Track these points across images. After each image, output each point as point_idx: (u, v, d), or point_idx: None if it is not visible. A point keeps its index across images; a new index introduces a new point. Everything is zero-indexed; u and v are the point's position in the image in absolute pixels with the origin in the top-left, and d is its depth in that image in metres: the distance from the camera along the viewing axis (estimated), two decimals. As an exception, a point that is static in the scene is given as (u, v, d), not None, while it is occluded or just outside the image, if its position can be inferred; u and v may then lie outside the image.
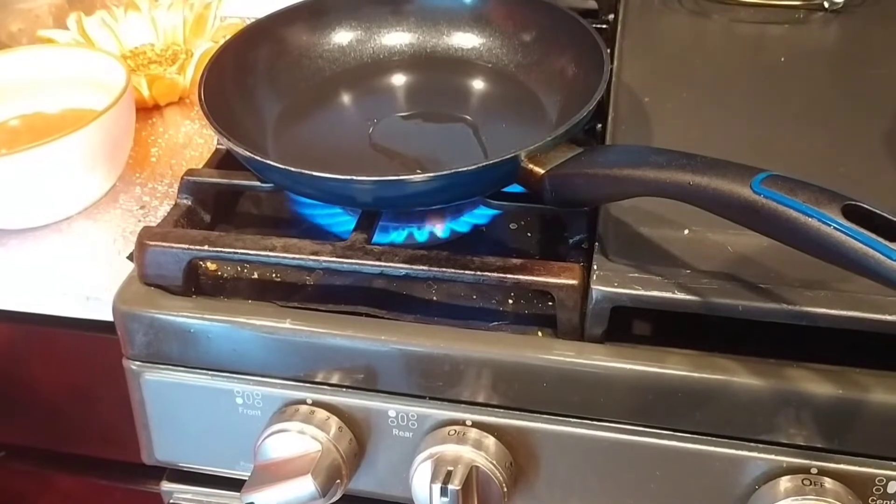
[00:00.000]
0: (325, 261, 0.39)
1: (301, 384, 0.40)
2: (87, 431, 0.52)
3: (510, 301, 0.41)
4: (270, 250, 0.40)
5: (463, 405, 0.39)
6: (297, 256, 0.39)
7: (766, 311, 0.34)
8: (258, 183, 0.44)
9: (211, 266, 0.44)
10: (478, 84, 0.53)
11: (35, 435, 0.54)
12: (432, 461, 0.38)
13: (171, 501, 0.49)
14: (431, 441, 0.39)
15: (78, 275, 0.45)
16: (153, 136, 0.57)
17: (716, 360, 0.36)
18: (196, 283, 0.42)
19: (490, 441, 0.39)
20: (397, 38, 0.55)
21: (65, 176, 0.47)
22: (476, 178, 0.40)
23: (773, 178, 0.31)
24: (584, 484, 0.39)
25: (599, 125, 0.48)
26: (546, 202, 0.40)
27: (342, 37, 0.55)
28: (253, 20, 0.53)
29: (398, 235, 0.45)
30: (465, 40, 0.55)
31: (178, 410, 0.43)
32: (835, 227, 0.28)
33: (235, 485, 0.41)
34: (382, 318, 0.39)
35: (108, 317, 0.42)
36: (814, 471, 0.36)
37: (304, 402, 0.40)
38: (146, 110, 0.59)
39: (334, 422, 0.40)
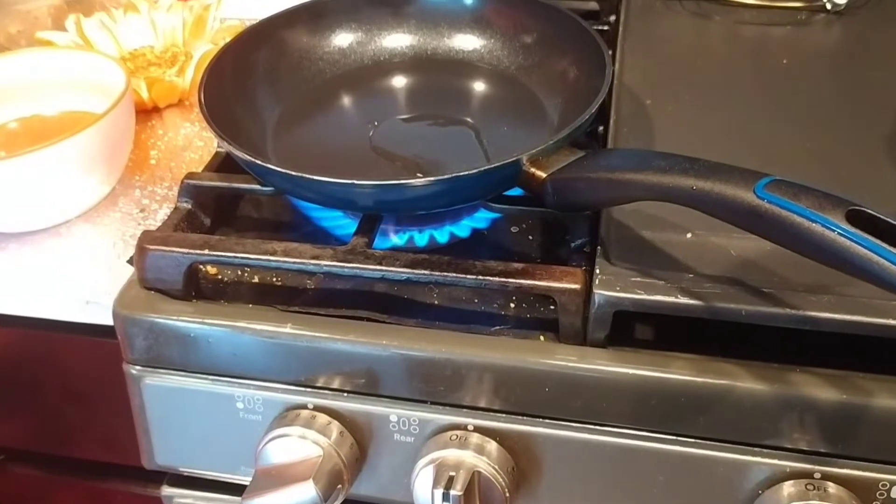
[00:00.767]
0: (325, 265, 0.39)
1: (302, 389, 0.40)
2: (88, 436, 0.52)
3: (512, 305, 0.41)
4: (271, 254, 0.39)
5: (465, 410, 0.39)
6: (297, 260, 0.39)
7: (769, 316, 0.34)
8: (258, 186, 0.44)
9: (211, 270, 0.44)
10: (479, 86, 0.53)
11: (35, 439, 0.54)
12: (434, 466, 0.38)
13: (172, 506, 0.48)
14: (433, 446, 0.38)
15: (77, 279, 0.45)
16: (153, 139, 0.57)
17: (719, 364, 0.36)
18: (196, 287, 0.42)
19: (492, 446, 0.38)
20: (398, 41, 0.55)
21: (64, 179, 0.47)
22: (477, 182, 0.39)
23: (776, 183, 0.30)
24: (587, 489, 0.39)
25: (601, 128, 0.48)
26: (548, 206, 0.40)
27: (342, 39, 0.55)
28: (252, 22, 0.53)
29: (399, 239, 0.44)
30: (466, 42, 0.55)
31: (178, 415, 0.42)
32: (838, 233, 0.28)
33: (236, 490, 0.41)
34: (383, 322, 0.39)
35: (108, 321, 0.42)
36: (817, 476, 0.36)
37: (305, 406, 0.40)
38: (145, 112, 0.59)
39: (335, 427, 0.40)
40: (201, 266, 0.43)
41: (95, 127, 0.47)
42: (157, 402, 0.42)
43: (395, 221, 0.44)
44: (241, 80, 0.50)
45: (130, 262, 0.43)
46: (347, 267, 0.39)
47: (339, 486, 0.39)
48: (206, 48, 0.60)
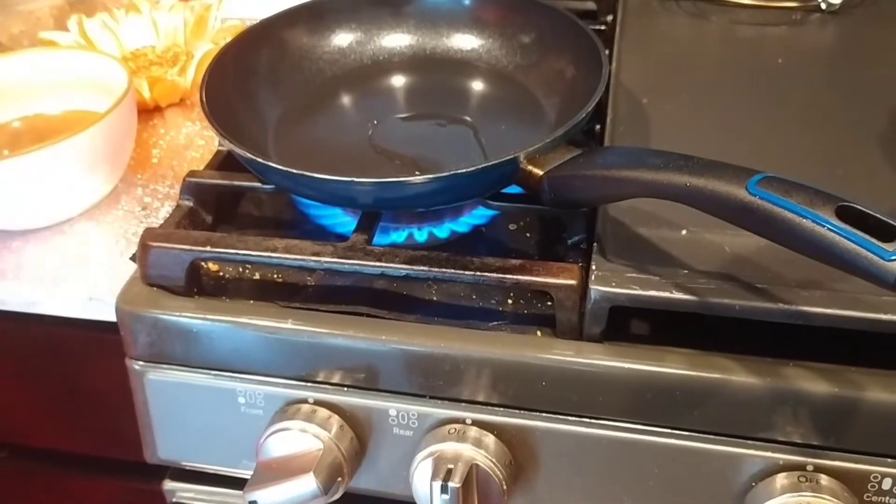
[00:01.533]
0: (326, 261, 0.39)
1: (303, 383, 0.41)
2: (90, 431, 0.52)
3: (509, 301, 0.41)
4: (272, 251, 0.40)
5: (463, 404, 0.39)
6: (298, 257, 0.40)
7: (762, 311, 0.35)
8: (259, 184, 0.45)
9: (213, 267, 0.44)
10: (477, 85, 0.54)
11: (38, 435, 0.54)
12: (433, 459, 0.38)
13: (174, 500, 0.49)
14: (432, 439, 0.39)
15: (80, 276, 0.46)
16: (154, 138, 0.57)
17: (713, 359, 0.36)
18: (198, 284, 0.42)
19: (490, 439, 0.39)
20: (397, 40, 0.56)
21: (67, 178, 0.48)
22: (475, 180, 0.40)
23: (768, 180, 0.31)
24: (583, 482, 0.40)
25: (598, 126, 0.48)
26: (545, 203, 0.40)
27: (342, 38, 0.55)
28: (253, 22, 0.53)
29: (398, 236, 0.45)
30: (465, 42, 0.55)
31: (180, 410, 0.43)
32: (828, 228, 0.29)
33: (238, 483, 0.42)
34: (383, 318, 0.40)
35: (112, 317, 0.42)
36: (810, 468, 0.36)
37: (305, 401, 0.41)
38: (147, 112, 0.60)
39: (336, 421, 0.40)
40: (203, 263, 0.43)
41: (98, 126, 0.47)
42: (159, 397, 0.43)
43: (395, 219, 0.45)
44: (242, 79, 0.50)
45: (133, 259, 0.44)
46: (347, 263, 0.39)
47: (340, 478, 0.40)
48: (207, 48, 0.60)
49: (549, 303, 0.38)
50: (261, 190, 0.45)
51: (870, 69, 0.52)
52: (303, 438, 0.40)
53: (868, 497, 0.36)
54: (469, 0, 0.55)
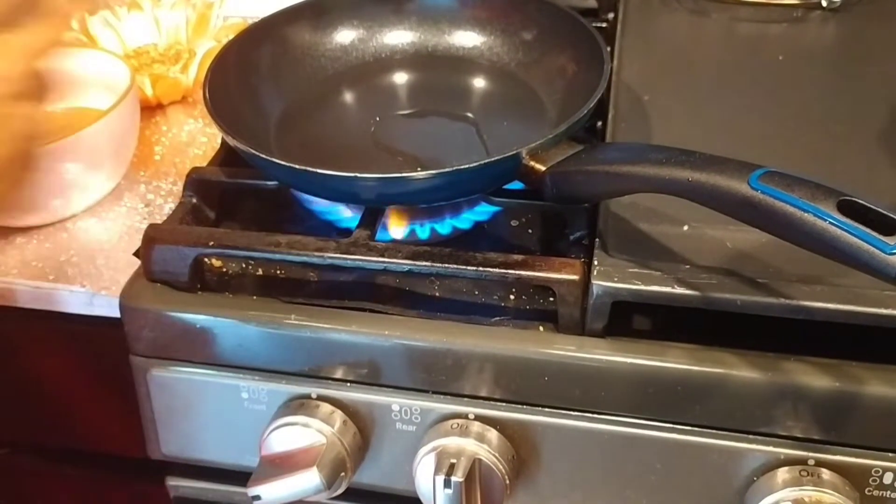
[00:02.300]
0: (329, 257, 0.39)
1: (306, 379, 0.41)
2: (94, 427, 0.52)
3: (511, 296, 0.41)
4: (275, 247, 0.40)
5: (465, 399, 0.39)
6: (301, 253, 0.40)
7: (764, 306, 0.35)
8: (262, 181, 0.45)
9: (216, 263, 0.44)
10: (479, 82, 0.54)
11: (41, 431, 0.54)
12: (435, 454, 0.38)
13: (177, 495, 0.49)
14: (434, 434, 0.39)
15: (83, 272, 0.46)
16: (157, 135, 0.57)
17: (715, 353, 0.37)
18: (202, 280, 0.42)
19: (492, 434, 0.39)
20: (399, 37, 0.56)
21: (70, 174, 0.48)
22: (478, 176, 0.40)
23: (770, 175, 0.31)
24: (585, 476, 0.40)
25: (599, 123, 0.49)
26: (547, 199, 0.40)
27: (344, 36, 0.55)
28: (255, 20, 0.53)
29: (401, 232, 0.45)
30: (466, 39, 0.55)
31: (184, 405, 0.43)
32: (830, 222, 0.29)
33: (241, 479, 0.42)
34: (386, 313, 0.40)
35: (115, 313, 0.43)
36: (811, 462, 0.36)
37: (308, 396, 0.41)
38: (149, 109, 0.60)
39: (339, 416, 0.40)
40: (206, 259, 0.43)
41: (101, 123, 0.47)
42: (162, 393, 0.43)
43: (398, 214, 0.45)
44: (244, 76, 0.50)
45: (137, 255, 0.44)
46: (350, 259, 0.39)
47: (343, 473, 0.40)
48: (209, 45, 0.60)
49: (552, 298, 0.38)
50: (263, 186, 0.45)
51: (870, 66, 0.52)
52: (306, 433, 0.40)
53: (869, 491, 0.36)
54: (471, -2, 0.55)
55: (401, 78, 0.55)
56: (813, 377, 0.35)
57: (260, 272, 0.44)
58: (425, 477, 0.39)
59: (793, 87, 0.50)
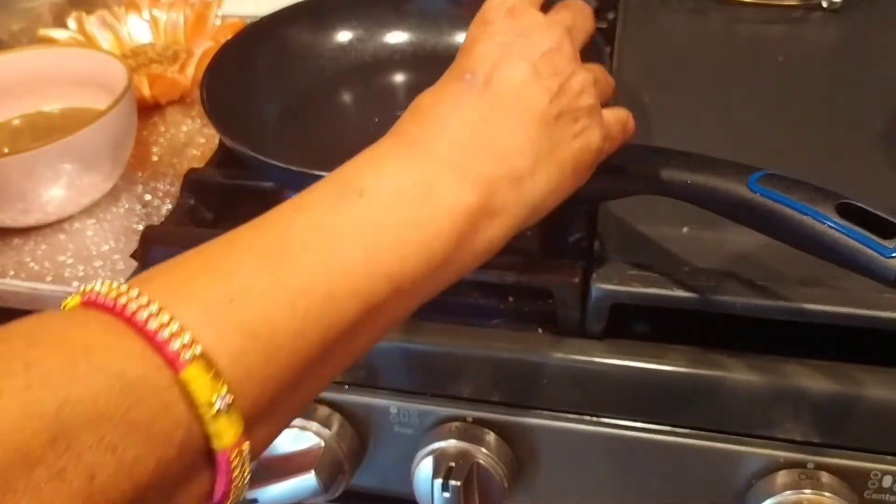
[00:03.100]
0: (326, 259, 0.39)
1: (303, 381, 0.41)
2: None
3: (510, 298, 0.41)
4: (273, 249, 0.40)
5: (464, 402, 0.39)
6: (299, 255, 0.39)
7: (763, 308, 0.35)
8: (260, 182, 0.44)
9: (213, 264, 0.44)
10: (477, 83, 0.54)
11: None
12: (434, 457, 0.38)
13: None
14: (433, 437, 0.39)
15: (81, 273, 0.46)
16: (154, 136, 0.57)
17: (714, 356, 0.36)
18: (199, 282, 0.42)
19: (491, 437, 0.39)
20: (398, 37, 0.56)
21: (67, 176, 0.48)
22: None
23: (769, 177, 0.31)
24: (584, 479, 0.40)
25: (598, 124, 0.48)
26: (545, 200, 0.40)
27: (343, 36, 0.55)
28: (253, 19, 0.53)
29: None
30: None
31: (181, 407, 0.43)
32: (829, 225, 0.29)
33: (238, 481, 0.42)
34: (384, 315, 0.40)
35: (112, 315, 0.42)
36: (810, 465, 0.36)
37: (306, 398, 0.41)
38: (147, 109, 0.59)
39: (337, 418, 0.40)
40: (204, 260, 0.43)
41: (98, 123, 0.47)
42: (160, 394, 0.43)
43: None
44: (242, 77, 0.50)
45: (134, 256, 0.44)
46: (348, 261, 0.39)
47: (340, 476, 0.40)
48: (207, 45, 0.60)
49: (550, 300, 0.38)
50: (261, 187, 0.45)
51: (871, 67, 0.52)
52: (304, 436, 0.40)
53: (868, 494, 0.36)
54: (470, -3, 0.55)
55: (400, 78, 0.55)
56: (812, 380, 0.35)
57: (258, 274, 0.44)
58: (423, 480, 0.38)
59: (793, 88, 0.49)
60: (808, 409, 0.36)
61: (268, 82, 0.52)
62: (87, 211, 0.50)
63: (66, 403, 0.19)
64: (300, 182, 0.42)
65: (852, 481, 0.36)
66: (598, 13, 0.59)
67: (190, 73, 0.60)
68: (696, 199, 0.33)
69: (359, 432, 0.41)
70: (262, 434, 0.24)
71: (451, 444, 0.38)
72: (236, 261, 0.24)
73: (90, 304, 0.22)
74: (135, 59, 0.62)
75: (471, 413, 0.39)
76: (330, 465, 0.39)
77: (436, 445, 0.38)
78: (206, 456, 0.21)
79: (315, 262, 0.24)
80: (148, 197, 0.51)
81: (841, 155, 0.44)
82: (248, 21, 0.54)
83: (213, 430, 0.21)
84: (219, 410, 0.21)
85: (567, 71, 0.31)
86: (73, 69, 0.55)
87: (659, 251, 0.38)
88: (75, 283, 0.45)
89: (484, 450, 0.38)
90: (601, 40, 0.48)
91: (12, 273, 0.46)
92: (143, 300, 0.21)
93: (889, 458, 0.36)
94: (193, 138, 0.57)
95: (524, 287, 0.41)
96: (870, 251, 0.28)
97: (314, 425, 0.40)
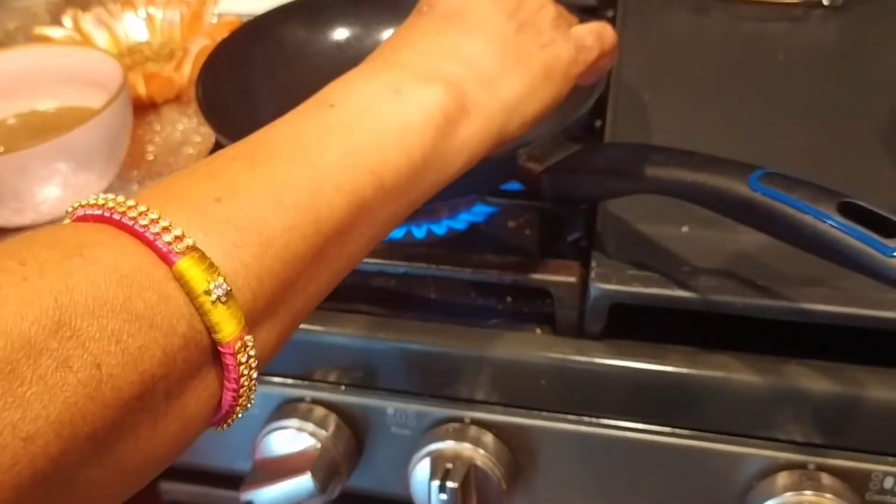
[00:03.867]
0: (323, 259, 0.39)
1: (300, 382, 0.40)
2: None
3: (508, 299, 0.41)
4: (269, 248, 0.40)
5: (461, 403, 0.39)
6: (295, 254, 0.39)
7: (763, 308, 0.34)
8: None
9: (209, 264, 0.44)
10: (475, 81, 0.53)
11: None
12: (431, 458, 0.38)
13: (171, 499, 0.49)
14: (430, 438, 0.39)
15: (76, 273, 0.45)
16: (150, 135, 0.57)
17: (714, 356, 0.36)
18: (194, 282, 0.42)
19: (489, 438, 0.39)
20: (395, 36, 0.55)
21: (62, 174, 0.47)
22: (474, 176, 0.39)
23: (770, 176, 0.31)
24: (583, 480, 0.39)
25: (598, 122, 0.48)
26: (544, 199, 0.40)
27: (339, 34, 0.55)
28: (249, 17, 0.53)
29: (396, 233, 0.45)
30: (463, 37, 0.55)
31: (176, 408, 0.43)
32: (830, 224, 0.29)
33: (234, 483, 0.41)
34: (381, 315, 0.39)
35: (107, 315, 0.42)
36: (811, 466, 0.36)
37: (302, 399, 0.40)
38: (142, 108, 0.59)
39: (333, 419, 0.40)
40: (199, 260, 0.43)
41: (93, 122, 0.47)
42: (155, 395, 0.43)
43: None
44: (238, 75, 0.50)
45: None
46: (345, 260, 0.39)
47: (337, 478, 0.40)
48: (203, 43, 0.60)
49: (549, 300, 0.38)
50: (257, 186, 0.45)
51: (872, 66, 0.51)
52: (300, 437, 0.39)
53: (869, 496, 0.36)
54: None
55: (397, 77, 0.54)
56: (813, 380, 0.35)
57: (254, 274, 0.43)
58: (421, 482, 0.38)
59: (793, 87, 0.49)
60: (808, 410, 0.35)
61: (264, 81, 0.51)
62: (82, 210, 0.50)
63: (64, 291, 0.19)
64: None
65: (853, 482, 0.36)
66: (598, 11, 0.59)
67: (186, 72, 0.59)
68: (696, 198, 0.33)
69: (355, 433, 0.40)
70: (266, 337, 0.24)
71: (448, 445, 0.38)
72: (220, 167, 0.25)
73: (79, 219, 0.22)
74: (131, 57, 0.61)
75: (468, 414, 0.39)
76: (326, 467, 0.39)
77: (433, 447, 0.38)
78: (212, 353, 0.21)
79: (297, 160, 0.25)
80: (143, 196, 0.51)
81: (842, 153, 0.44)
82: (245, 19, 0.54)
83: (214, 320, 0.21)
84: (217, 299, 0.21)
85: None
86: (68, 67, 0.54)
87: (658, 251, 0.37)
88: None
89: (482, 451, 0.38)
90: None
91: (6, 273, 0.46)
92: (131, 203, 0.21)
93: (890, 459, 0.36)
94: (189, 137, 0.56)
95: (522, 287, 0.40)
96: (871, 250, 0.28)
97: (310, 426, 0.39)
